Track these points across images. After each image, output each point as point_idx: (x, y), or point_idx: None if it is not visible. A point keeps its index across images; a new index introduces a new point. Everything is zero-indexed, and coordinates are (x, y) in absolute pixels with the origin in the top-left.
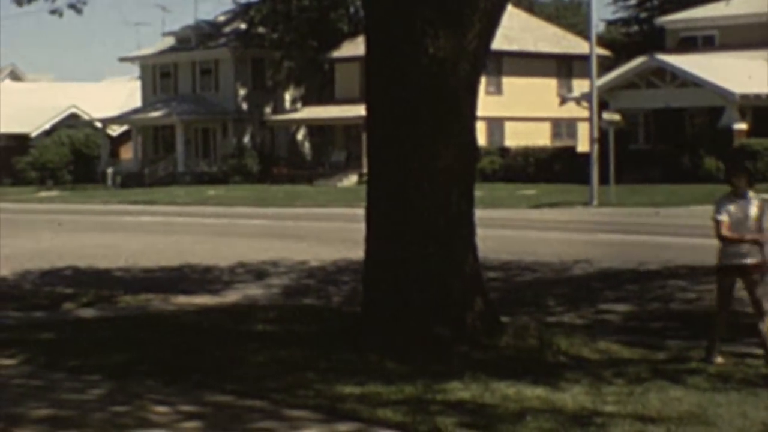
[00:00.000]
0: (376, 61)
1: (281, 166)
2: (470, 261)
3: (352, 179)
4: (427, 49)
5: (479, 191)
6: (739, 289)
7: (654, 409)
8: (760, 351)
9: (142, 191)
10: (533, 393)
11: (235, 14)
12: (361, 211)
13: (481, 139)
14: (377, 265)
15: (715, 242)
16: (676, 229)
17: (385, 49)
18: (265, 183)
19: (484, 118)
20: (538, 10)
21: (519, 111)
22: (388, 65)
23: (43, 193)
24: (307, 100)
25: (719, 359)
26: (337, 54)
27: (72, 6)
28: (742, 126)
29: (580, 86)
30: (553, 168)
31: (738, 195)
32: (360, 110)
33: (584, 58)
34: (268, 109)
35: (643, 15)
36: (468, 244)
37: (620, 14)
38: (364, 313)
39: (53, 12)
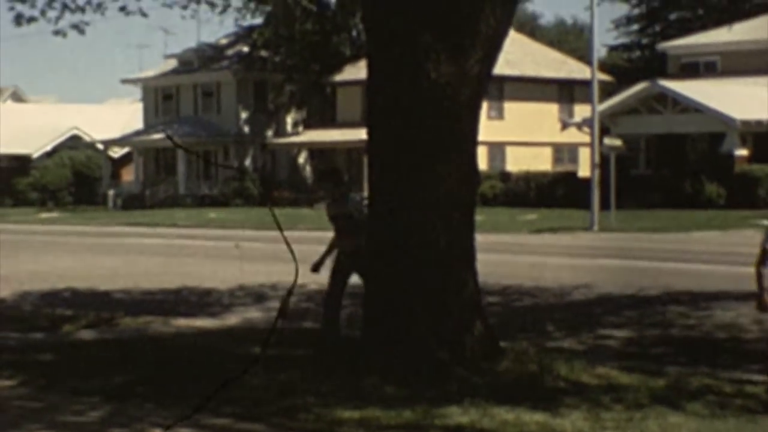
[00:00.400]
0: (377, 86)
1: (282, 189)
2: (470, 285)
3: None
4: (428, 74)
5: (480, 216)
6: (740, 316)
7: None
8: (759, 377)
9: (143, 213)
10: (532, 418)
11: (238, 37)
12: None
13: (482, 163)
14: (377, 288)
15: (713, 268)
16: (677, 255)
17: (386, 74)
18: (266, 206)
19: (485, 143)
20: (539, 34)
21: (520, 136)
22: (389, 89)
23: (44, 215)
24: (308, 124)
25: None
26: (339, 77)
27: (75, 27)
28: (743, 152)
29: (581, 111)
30: (554, 193)
31: None
32: (361, 134)
33: (586, 84)
34: (269, 132)
35: (645, 41)
36: (468, 268)
37: (622, 40)
38: (364, 336)
39: (56, 33)
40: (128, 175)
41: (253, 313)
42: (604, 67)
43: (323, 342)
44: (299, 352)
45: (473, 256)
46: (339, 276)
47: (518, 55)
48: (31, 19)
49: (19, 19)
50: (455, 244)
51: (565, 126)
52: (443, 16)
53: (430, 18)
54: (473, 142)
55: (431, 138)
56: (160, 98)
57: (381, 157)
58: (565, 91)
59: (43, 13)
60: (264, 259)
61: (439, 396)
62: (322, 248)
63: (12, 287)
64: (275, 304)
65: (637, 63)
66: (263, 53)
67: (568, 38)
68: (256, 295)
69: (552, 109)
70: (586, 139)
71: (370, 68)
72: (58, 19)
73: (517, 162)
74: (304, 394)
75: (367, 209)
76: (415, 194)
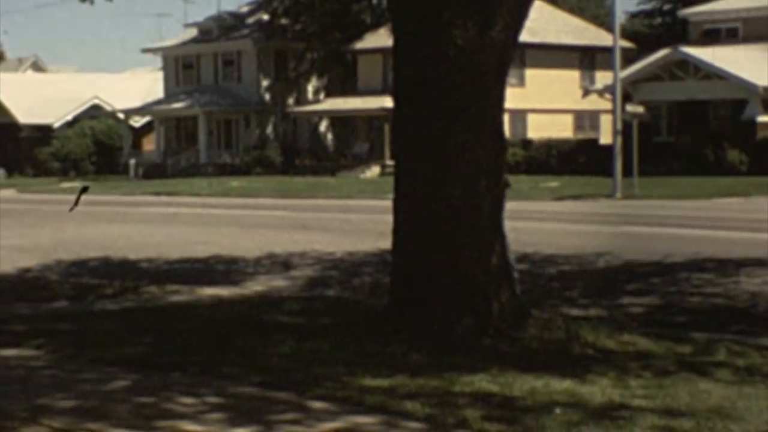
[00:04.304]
0: (403, 53)
1: (304, 157)
2: (498, 253)
3: (375, 171)
4: (455, 41)
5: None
6: (762, 284)
7: (683, 401)
8: None
9: (164, 182)
10: (561, 386)
11: (258, 5)
12: (383, 203)
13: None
14: (404, 256)
15: (736, 235)
16: (701, 222)
17: (411, 42)
18: (287, 174)
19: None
20: (561, 1)
21: (542, 103)
22: (415, 57)
23: (66, 184)
24: (329, 92)
25: None
26: (359, 45)
27: None
28: (765, 118)
29: (603, 78)
30: (575, 160)
31: None
32: (382, 101)
33: (607, 50)
34: (290, 101)
35: (667, 7)
36: (496, 236)
37: (643, 6)
38: (390, 304)
39: (83, 0)
40: (149, 144)
41: (279, 282)
42: (625, 33)
43: None
44: (325, 320)
45: (501, 224)
46: None
47: (540, 23)
48: None
49: None
50: (482, 212)
51: (586, 93)
52: None
53: None
54: (500, 110)
55: (457, 106)
56: (180, 67)
57: (406, 125)
58: (587, 58)
59: None
60: (287, 227)
61: (466, 364)
62: (347, 216)
63: (37, 256)
64: (300, 272)
65: (658, 29)
66: (284, 21)
67: (589, 5)
68: (281, 264)
69: (573, 76)
70: (608, 106)
71: (396, 37)
72: None
73: (538, 129)
74: (331, 363)
75: (393, 177)
76: (441, 162)
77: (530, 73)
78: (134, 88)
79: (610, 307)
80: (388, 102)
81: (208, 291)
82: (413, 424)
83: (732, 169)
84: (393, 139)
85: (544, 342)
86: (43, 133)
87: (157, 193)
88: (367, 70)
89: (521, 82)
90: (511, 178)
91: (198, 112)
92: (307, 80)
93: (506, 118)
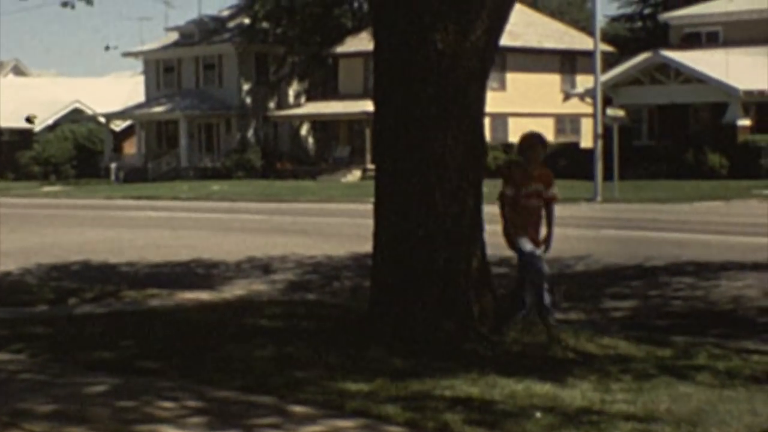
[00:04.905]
0: (384, 56)
1: (284, 161)
2: (478, 256)
3: (356, 175)
4: (435, 45)
5: (483, 187)
6: (747, 287)
7: (663, 405)
8: (767, 347)
9: (145, 186)
10: (541, 389)
11: (239, 9)
12: (364, 207)
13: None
14: (384, 260)
15: (717, 238)
16: (681, 225)
17: (392, 45)
18: (268, 178)
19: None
20: (541, 5)
21: (522, 107)
22: (395, 60)
23: (47, 188)
24: (310, 96)
25: None
26: (340, 49)
27: None
28: (746, 122)
29: (583, 82)
30: (556, 163)
31: None
32: (363, 105)
33: (588, 54)
34: (271, 105)
35: (647, 11)
36: (476, 240)
37: (624, 10)
38: (371, 308)
39: (65, 4)
40: (130, 148)
41: (259, 286)
42: (606, 37)
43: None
44: (306, 324)
45: (481, 228)
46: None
47: (520, 26)
48: None
49: None
50: (463, 216)
51: (567, 97)
52: None
53: None
54: (480, 114)
55: (438, 109)
56: (161, 71)
57: (387, 128)
58: (567, 62)
59: None
60: (267, 231)
61: (447, 367)
62: (328, 220)
63: (17, 261)
64: (282, 276)
65: (638, 33)
66: (265, 25)
67: (570, 9)
68: (262, 268)
69: (554, 80)
70: (589, 109)
71: (376, 40)
72: None
73: (519, 133)
74: (312, 367)
75: (374, 181)
76: (421, 166)
77: (511, 76)
78: (115, 92)
79: (591, 311)
80: (369, 106)
81: (189, 295)
82: (394, 428)
83: (712, 172)
84: (374, 143)
85: (524, 346)
86: (24, 137)
87: (138, 197)
88: (348, 73)
89: (502, 86)
90: (492, 183)
91: (179, 115)
92: (288, 84)
93: (487, 121)
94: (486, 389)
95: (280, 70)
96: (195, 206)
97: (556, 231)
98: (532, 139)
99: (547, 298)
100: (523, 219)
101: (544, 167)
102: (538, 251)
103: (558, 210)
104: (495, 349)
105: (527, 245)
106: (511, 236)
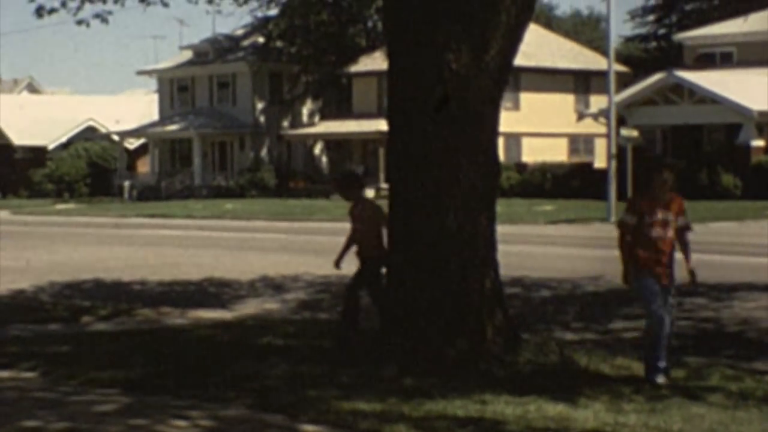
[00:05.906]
0: (397, 78)
1: (298, 180)
2: (491, 277)
3: (369, 194)
4: (449, 65)
5: (496, 207)
6: (759, 308)
7: (676, 426)
8: None
9: (158, 205)
10: (554, 409)
11: (253, 28)
12: None
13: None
14: (398, 280)
15: (730, 259)
16: (694, 246)
17: (406, 66)
18: (281, 197)
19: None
20: (555, 25)
21: (536, 127)
22: (409, 81)
23: (60, 206)
24: (324, 115)
25: None
26: (354, 68)
27: (98, 16)
28: (759, 143)
29: (597, 102)
30: (570, 184)
31: None
32: (377, 125)
33: (602, 74)
34: (285, 123)
35: (662, 31)
36: (489, 259)
37: (638, 30)
38: (383, 327)
39: (79, 23)
40: (144, 166)
41: (271, 305)
42: (619, 57)
43: (341, 334)
44: (319, 343)
45: (494, 248)
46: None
47: (534, 46)
48: (52, 11)
49: (40, 11)
50: (476, 236)
51: (581, 117)
52: (463, 7)
53: (451, 8)
54: (494, 134)
55: (451, 130)
56: (175, 89)
57: (401, 148)
58: (581, 82)
59: (63, 4)
60: (280, 250)
61: (459, 387)
62: (341, 239)
63: (31, 278)
64: (294, 295)
65: (652, 54)
66: (279, 44)
67: (584, 29)
68: (275, 287)
69: (568, 100)
70: (602, 130)
71: (390, 60)
72: (78, 9)
73: (533, 153)
74: (324, 386)
75: (388, 200)
76: (435, 186)
77: (525, 96)
78: (129, 110)
79: (604, 331)
80: (383, 125)
81: (202, 313)
82: None
83: (726, 193)
84: (388, 163)
85: (537, 366)
86: (38, 154)
87: (151, 215)
88: (362, 93)
89: (516, 106)
90: (505, 202)
91: (193, 134)
92: (302, 103)
93: (501, 141)
94: (499, 409)
95: (294, 89)
96: (208, 225)
97: (570, 252)
98: (657, 163)
99: (662, 360)
100: (648, 252)
101: (674, 193)
102: (670, 297)
103: (572, 230)
104: (507, 369)
105: (652, 287)
106: (628, 271)
